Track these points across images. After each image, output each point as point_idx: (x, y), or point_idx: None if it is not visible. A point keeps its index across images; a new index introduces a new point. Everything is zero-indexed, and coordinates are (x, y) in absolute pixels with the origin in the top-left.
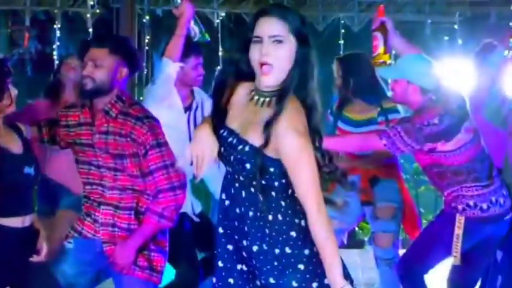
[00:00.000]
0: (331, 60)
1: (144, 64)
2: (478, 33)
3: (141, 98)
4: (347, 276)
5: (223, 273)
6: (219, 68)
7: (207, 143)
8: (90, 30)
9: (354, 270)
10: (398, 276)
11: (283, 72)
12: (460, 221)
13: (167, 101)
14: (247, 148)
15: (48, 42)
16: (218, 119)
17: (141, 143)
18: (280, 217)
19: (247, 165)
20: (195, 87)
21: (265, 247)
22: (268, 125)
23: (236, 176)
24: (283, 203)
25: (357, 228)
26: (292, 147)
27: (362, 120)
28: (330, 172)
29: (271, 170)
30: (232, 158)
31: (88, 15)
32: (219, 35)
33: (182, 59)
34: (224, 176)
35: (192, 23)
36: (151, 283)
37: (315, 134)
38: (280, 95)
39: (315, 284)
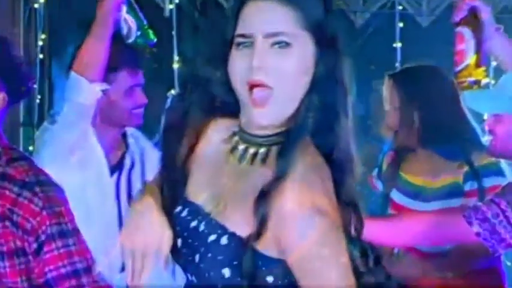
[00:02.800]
0: (379, 77)
1: (36, 86)
2: None
3: (31, 148)
4: None
5: None
6: (173, 92)
7: (150, 231)
8: None
9: None
10: None
11: (290, 101)
12: None
13: (78, 154)
14: (225, 240)
15: None
16: (172, 186)
17: (31, 231)
18: None
19: (226, 272)
20: (130, 127)
21: None
22: (264, 199)
23: None
24: None
25: None
26: (308, 240)
27: (436, 188)
28: (377, 285)
29: (269, 279)
30: (197, 257)
31: None
32: (174, 32)
33: (106, 76)
34: None
35: (125, 11)
36: None
37: (349, 213)
38: (285, 143)
39: None
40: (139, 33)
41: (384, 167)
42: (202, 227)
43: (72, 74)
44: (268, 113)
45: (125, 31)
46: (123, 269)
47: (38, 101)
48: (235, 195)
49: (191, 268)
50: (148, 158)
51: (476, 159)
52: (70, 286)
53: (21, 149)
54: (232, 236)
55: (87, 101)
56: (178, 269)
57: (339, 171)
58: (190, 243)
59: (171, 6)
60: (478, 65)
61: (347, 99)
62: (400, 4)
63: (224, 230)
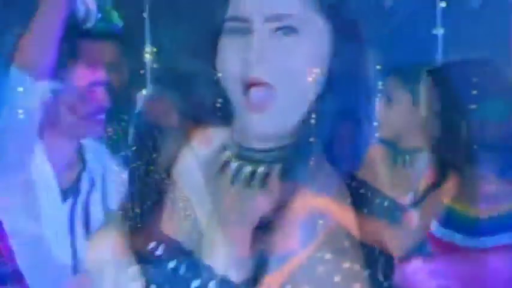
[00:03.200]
0: (415, 74)
1: None
2: None
3: None
4: None
5: None
6: (144, 92)
7: (115, 277)
8: None
9: None
10: None
11: (297, 105)
12: None
13: (20, 174)
14: (212, 286)
15: None
16: (143, 215)
17: None
18: None
19: None
20: (87, 138)
21: None
22: (264, 233)
23: None
24: None
25: None
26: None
27: (491, 219)
28: None
29: None
30: None
31: None
32: (146, 14)
33: (58, 71)
34: None
35: None
36: None
37: (374, 251)
38: (291, 160)
39: None
40: (100, 15)
41: (421, 191)
42: (183, 270)
43: (13, 69)
44: (269, 120)
45: (81, 13)
46: None
47: None
48: (225, 228)
49: None
50: (112, 178)
51: None
52: None
53: None
54: (222, 281)
55: (31, 104)
56: None
57: (360, 194)
58: None
59: None
60: None
61: (371, 102)
62: None
63: (211, 274)
